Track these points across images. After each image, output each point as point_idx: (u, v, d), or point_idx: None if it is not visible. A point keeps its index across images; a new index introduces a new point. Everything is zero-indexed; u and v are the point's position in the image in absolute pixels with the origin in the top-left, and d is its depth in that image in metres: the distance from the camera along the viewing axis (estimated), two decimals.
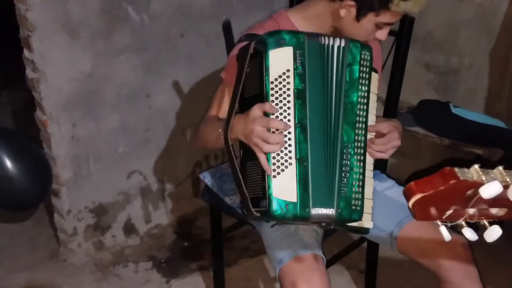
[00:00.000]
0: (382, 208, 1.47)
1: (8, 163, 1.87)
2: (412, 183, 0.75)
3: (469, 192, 0.74)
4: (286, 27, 1.43)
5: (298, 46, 1.23)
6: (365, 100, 1.32)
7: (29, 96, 2.05)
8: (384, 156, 1.38)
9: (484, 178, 0.73)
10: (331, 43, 1.29)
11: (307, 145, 1.23)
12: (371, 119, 1.37)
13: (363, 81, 1.32)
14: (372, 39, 1.40)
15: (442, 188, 0.72)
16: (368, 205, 1.34)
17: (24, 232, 2.44)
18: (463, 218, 0.79)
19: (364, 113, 1.32)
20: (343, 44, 1.30)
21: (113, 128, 2.16)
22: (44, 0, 1.83)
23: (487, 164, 2.05)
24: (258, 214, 1.23)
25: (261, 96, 1.22)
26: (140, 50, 2.11)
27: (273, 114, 1.21)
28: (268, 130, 1.20)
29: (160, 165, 2.35)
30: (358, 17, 1.34)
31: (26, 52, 1.94)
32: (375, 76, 1.38)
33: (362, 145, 1.31)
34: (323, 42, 1.28)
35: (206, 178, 1.70)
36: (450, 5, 2.44)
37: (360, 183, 1.30)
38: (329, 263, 1.71)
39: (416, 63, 2.56)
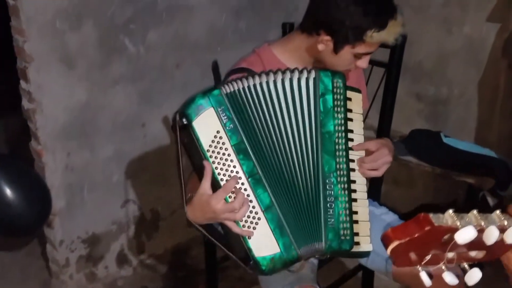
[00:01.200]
0: (380, 232, 1.47)
1: (6, 189, 1.87)
2: (389, 230, 0.76)
3: (446, 237, 0.75)
4: (269, 61, 1.45)
5: (217, 103, 1.21)
6: (343, 128, 1.33)
7: (24, 126, 2.06)
8: (377, 174, 1.39)
9: (458, 223, 0.74)
10: (282, 78, 1.28)
11: (268, 192, 1.23)
12: (359, 140, 1.38)
13: (339, 109, 1.33)
14: (354, 68, 1.43)
15: (417, 235, 0.74)
16: (365, 227, 1.35)
17: (16, 262, 2.41)
18: (442, 262, 0.80)
19: (343, 141, 1.33)
20: (313, 75, 1.31)
21: (108, 157, 2.16)
22: (42, 32, 1.86)
23: (478, 193, 2.05)
24: (252, 271, 1.25)
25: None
26: (136, 80, 2.13)
27: (222, 179, 1.20)
28: (226, 200, 1.19)
29: (154, 194, 2.35)
30: (336, 50, 1.36)
31: (22, 83, 1.96)
32: (358, 96, 1.39)
33: (345, 172, 1.32)
34: (251, 83, 1.27)
35: None
36: (439, 37, 2.50)
37: (347, 212, 1.30)
38: None
39: (407, 93, 2.60)
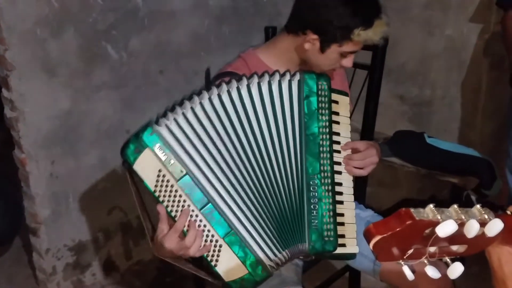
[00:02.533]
0: None
1: None
2: (370, 225, 0.77)
3: (427, 231, 0.76)
4: (255, 65, 1.46)
5: (152, 143, 1.18)
6: (327, 130, 1.34)
7: (8, 135, 2.05)
8: (363, 172, 1.40)
9: (439, 217, 0.76)
10: (258, 81, 1.27)
11: (224, 218, 1.22)
12: (345, 142, 1.40)
13: (323, 111, 1.34)
14: (339, 67, 1.46)
15: (399, 229, 0.74)
16: (351, 229, 1.36)
17: (2, 272, 2.39)
18: (424, 257, 0.81)
19: (328, 143, 1.34)
20: (297, 77, 1.32)
21: (93, 165, 2.15)
22: (23, 40, 1.85)
23: (462, 192, 2.08)
24: None
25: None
26: (119, 86, 2.13)
27: (176, 216, 1.19)
28: (184, 233, 1.19)
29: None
30: (322, 49, 1.40)
31: (4, 92, 1.94)
32: (345, 100, 1.41)
33: (329, 174, 1.32)
34: (215, 93, 1.25)
35: None
36: (421, 39, 2.53)
37: (331, 213, 1.31)
38: None
39: (390, 95, 2.62)
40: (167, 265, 2.40)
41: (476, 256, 1.03)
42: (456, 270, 0.79)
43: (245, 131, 1.26)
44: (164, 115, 1.24)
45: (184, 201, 1.20)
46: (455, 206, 0.78)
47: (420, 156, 2.39)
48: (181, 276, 2.37)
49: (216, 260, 1.22)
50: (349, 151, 1.40)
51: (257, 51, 1.51)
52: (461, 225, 0.75)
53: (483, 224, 0.77)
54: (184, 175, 1.19)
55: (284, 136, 1.30)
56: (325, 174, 1.32)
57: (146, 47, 2.15)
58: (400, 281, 1.45)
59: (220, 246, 1.22)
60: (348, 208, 1.36)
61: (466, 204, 2.39)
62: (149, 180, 1.19)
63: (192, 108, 1.23)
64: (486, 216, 0.79)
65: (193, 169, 1.21)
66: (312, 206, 1.29)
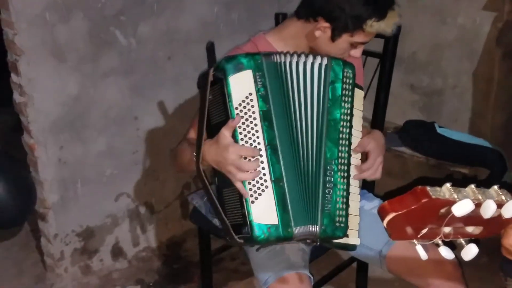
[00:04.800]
0: (371, 227, 1.47)
1: None
2: (385, 202, 0.75)
3: (443, 210, 0.75)
4: (265, 49, 1.45)
5: (257, 68, 1.24)
6: (348, 117, 1.34)
7: (17, 120, 2.05)
8: (377, 176, 1.40)
9: (456, 196, 0.74)
10: (297, 60, 1.30)
11: (280, 165, 1.24)
12: (357, 135, 1.39)
13: (346, 98, 1.34)
14: (347, 57, 1.43)
15: (414, 207, 0.73)
16: (354, 221, 1.35)
17: (10, 257, 2.40)
18: (438, 237, 0.79)
19: (348, 130, 1.33)
20: (325, 62, 1.32)
21: (101, 151, 2.15)
22: (32, 25, 1.84)
23: (473, 182, 2.05)
24: (242, 241, 1.24)
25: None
26: (127, 73, 2.12)
27: (242, 139, 1.21)
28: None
29: (148, 187, 2.34)
30: (333, 37, 1.38)
31: (13, 76, 1.94)
32: (359, 93, 1.40)
33: (346, 161, 1.32)
34: (282, 60, 1.30)
35: (195, 199, 1.70)
36: (433, 27, 2.49)
37: (344, 200, 1.31)
38: (319, 284, 1.71)
39: (401, 84, 2.60)
40: (173, 251, 2.42)
41: (485, 247, 1.02)
42: (470, 251, 0.77)
43: (295, 103, 1.29)
44: (269, 55, 1.28)
45: (256, 131, 1.22)
46: (472, 186, 0.76)
47: (430, 146, 2.37)
48: (188, 263, 2.38)
49: (256, 198, 1.22)
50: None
51: (267, 35, 1.51)
52: (478, 205, 0.73)
53: (500, 205, 0.75)
54: (268, 109, 1.23)
55: (310, 118, 1.30)
56: (342, 161, 1.32)
57: (155, 33, 2.14)
58: (407, 272, 1.45)
59: (266, 187, 1.22)
60: (354, 200, 1.36)
61: None
62: (236, 96, 1.21)
63: (287, 62, 1.28)
64: (503, 197, 0.77)
65: (272, 109, 1.24)
66: (327, 191, 1.29)
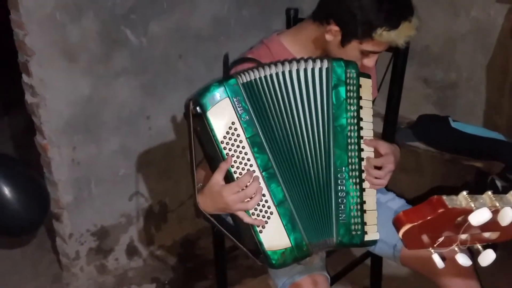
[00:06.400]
0: (386, 220, 1.45)
1: (4, 190, 1.88)
2: (400, 213, 0.74)
3: (459, 218, 0.74)
4: (279, 52, 1.42)
5: (233, 93, 1.18)
6: (355, 120, 1.30)
7: (29, 121, 2.06)
8: (383, 183, 1.36)
9: (473, 205, 0.73)
10: (290, 69, 1.25)
11: (281, 186, 1.21)
12: (368, 128, 1.35)
13: (351, 101, 1.29)
14: (359, 66, 1.37)
15: (430, 217, 0.72)
16: (372, 216, 1.33)
17: (26, 257, 2.43)
18: (455, 244, 0.78)
19: (356, 134, 1.30)
20: (325, 65, 1.27)
21: (114, 151, 2.16)
22: (42, 25, 1.85)
23: (487, 177, 2.02)
24: (261, 264, 1.24)
25: (218, 156, 1.18)
26: (139, 72, 2.12)
27: (235, 172, 1.18)
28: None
29: (162, 186, 2.35)
30: (343, 43, 1.33)
31: (25, 77, 1.95)
32: (368, 82, 1.35)
33: (357, 167, 1.30)
34: (268, 73, 1.23)
35: None
36: (447, 20, 2.46)
37: (358, 207, 1.29)
38: (333, 280, 1.70)
39: (414, 78, 2.57)
40: (188, 250, 2.43)
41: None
42: (488, 257, 0.76)
43: (287, 115, 1.25)
44: (244, 72, 1.23)
45: (248, 159, 1.18)
46: (489, 193, 0.75)
47: (445, 141, 2.34)
48: (203, 261, 2.38)
49: (263, 227, 1.20)
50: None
51: (281, 37, 1.46)
52: (495, 212, 0.72)
53: None
54: (255, 134, 1.19)
55: (316, 127, 1.26)
56: (353, 167, 1.29)
57: (166, 31, 2.13)
58: (421, 265, 1.43)
59: (271, 213, 1.20)
60: (370, 195, 1.34)
61: (491, 189, 2.34)
62: (219, 130, 1.17)
63: (271, 75, 1.23)
64: None
65: (261, 132, 1.20)
66: (340, 200, 1.27)
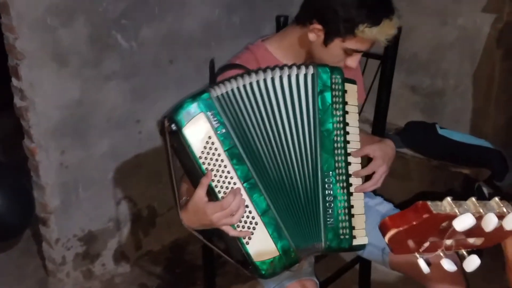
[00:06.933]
0: (375, 223, 1.46)
1: None
2: (386, 218, 0.75)
3: (444, 224, 0.75)
4: (264, 58, 1.42)
5: (208, 108, 1.17)
6: (341, 125, 1.31)
7: (18, 124, 2.04)
8: (377, 185, 1.38)
9: (457, 211, 0.74)
10: (272, 76, 1.25)
11: (264, 196, 1.22)
12: (354, 133, 1.36)
13: (337, 106, 1.31)
14: (343, 66, 1.38)
15: (416, 222, 0.73)
16: (361, 220, 1.34)
17: (11, 262, 2.40)
18: (440, 249, 0.79)
19: (342, 138, 1.31)
20: (311, 71, 1.28)
21: (103, 154, 2.15)
22: (33, 29, 1.84)
23: (474, 183, 2.03)
24: (251, 275, 1.25)
25: (198, 172, 1.18)
26: (129, 76, 2.12)
27: (216, 186, 1.18)
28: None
29: (151, 190, 2.34)
30: (326, 41, 1.34)
31: (14, 81, 1.94)
32: (353, 88, 1.37)
33: (344, 171, 1.31)
34: (243, 83, 1.23)
35: None
36: (434, 28, 2.50)
37: (346, 211, 1.30)
38: (322, 286, 1.70)
39: (402, 85, 2.60)
40: (176, 255, 2.42)
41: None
42: (473, 262, 0.78)
43: (270, 122, 1.25)
44: (218, 84, 1.22)
45: (228, 172, 1.18)
46: (473, 199, 0.76)
47: (432, 147, 2.37)
48: (191, 267, 2.37)
49: (249, 238, 1.20)
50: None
51: (266, 42, 1.47)
52: (479, 218, 0.74)
53: (501, 217, 0.76)
54: (233, 146, 1.19)
55: (301, 132, 1.27)
56: (340, 171, 1.30)
57: (157, 36, 2.14)
58: (409, 270, 1.44)
59: (256, 223, 1.20)
60: (358, 199, 1.35)
61: (478, 195, 2.38)
62: (196, 145, 1.16)
63: (244, 86, 1.22)
64: (504, 209, 0.78)
65: (239, 144, 1.20)
66: (327, 204, 1.28)
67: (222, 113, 1.19)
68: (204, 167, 1.17)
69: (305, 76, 1.28)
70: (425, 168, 2.41)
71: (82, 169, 2.11)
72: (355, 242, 1.33)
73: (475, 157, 2.30)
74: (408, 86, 2.63)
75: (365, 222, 1.36)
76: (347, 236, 1.30)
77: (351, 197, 1.33)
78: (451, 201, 0.75)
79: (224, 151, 1.18)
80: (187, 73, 2.25)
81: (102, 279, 2.29)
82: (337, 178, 1.29)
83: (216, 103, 1.19)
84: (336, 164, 1.29)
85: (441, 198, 0.76)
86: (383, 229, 0.76)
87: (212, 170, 1.17)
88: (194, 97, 1.17)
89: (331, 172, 1.28)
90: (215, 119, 1.17)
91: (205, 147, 1.17)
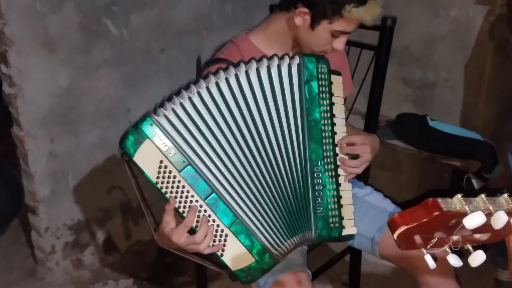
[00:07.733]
0: (364, 213, 1.48)
1: None
2: (396, 215, 0.75)
3: (453, 221, 0.75)
4: (248, 50, 1.41)
5: (152, 134, 1.15)
6: (328, 114, 1.31)
7: (6, 112, 2.02)
8: (358, 171, 1.37)
9: (467, 208, 0.74)
10: (257, 67, 1.23)
11: (230, 206, 1.20)
12: (341, 124, 1.36)
13: (324, 95, 1.30)
14: (330, 50, 1.38)
15: (426, 219, 0.73)
16: (349, 210, 1.35)
17: None
18: (447, 245, 0.80)
19: (329, 128, 1.31)
20: (296, 61, 1.28)
21: (93, 144, 2.13)
22: (22, 15, 1.81)
23: (463, 175, 2.04)
24: (235, 281, 1.26)
25: (161, 195, 1.18)
26: (120, 65, 2.10)
27: (179, 208, 1.17)
28: (193, 229, 1.16)
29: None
30: (312, 25, 1.32)
31: (3, 67, 1.91)
32: (338, 79, 1.36)
33: (332, 160, 1.31)
34: (215, 80, 1.20)
35: None
36: (426, 20, 2.49)
37: (335, 199, 1.30)
38: (313, 276, 1.71)
39: (393, 77, 2.60)
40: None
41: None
42: (478, 258, 0.78)
43: (245, 120, 1.23)
44: (162, 105, 1.20)
45: (188, 191, 1.17)
46: (483, 195, 0.77)
47: (423, 139, 2.38)
48: (181, 257, 2.36)
49: (223, 250, 1.21)
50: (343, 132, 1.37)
51: (250, 35, 1.46)
52: (488, 215, 0.74)
53: (510, 214, 0.76)
54: (187, 165, 1.17)
55: (286, 124, 1.26)
56: (328, 160, 1.30)
57: (147, 24, 2.11)
58: (398, 259, 1.45)
59: (226, 235, 1.20)
60: (346, 189, 1.36)
61: (467, 188, 2.37)
62: (150, 172, 1.16)
63: (189, 98, 1.19)
64: None
65: (195, 160, 1.18)
66: (317, 193, 1.28)
67: (172, 131, 1.16)
68: (163, 191, 1.16)
69: (289, 66, 1.27)
70: (415, 160, 2.42)
71: (72, 158, 2.09)
72: (344, 232, 1.34)
73: (465, 149, 2.32)
74: (399, 78, 2.63)
75: (353, 213, 1.36)
76: (337, 225, 1.30)
77: (340, 188, 1.34)
78: (461, 198, 0.75)
79: (178, 172, 1.16)
80: (179, 61, 2.24)
81: (91, 268, 2.28)
82: (326, 167, 1.29)
83: (163, 123, 1.16)
84: (324, 154, 1.29)
85: (451, 195, 0.76)
86: (392, 226, 0.75)
87: (171, 192, 1.16)
88: (136, 125, 1.16)
89: (319, 162, 1.29)
90: (162, 142, 1.15)
91: (159, 172, 1.15)
